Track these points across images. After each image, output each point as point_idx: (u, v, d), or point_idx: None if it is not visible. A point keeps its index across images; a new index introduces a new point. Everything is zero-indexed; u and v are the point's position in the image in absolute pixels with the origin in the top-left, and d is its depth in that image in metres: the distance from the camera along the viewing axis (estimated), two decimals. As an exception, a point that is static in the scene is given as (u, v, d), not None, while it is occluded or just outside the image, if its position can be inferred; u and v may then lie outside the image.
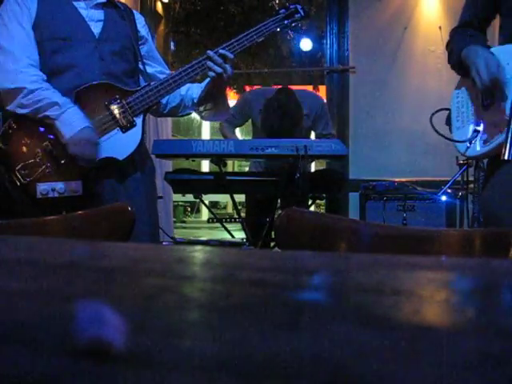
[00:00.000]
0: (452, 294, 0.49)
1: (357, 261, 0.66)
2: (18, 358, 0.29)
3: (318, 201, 3.36)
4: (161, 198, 4.01)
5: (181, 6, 8.40)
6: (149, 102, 1.79)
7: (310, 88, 7.63)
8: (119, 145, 1.77)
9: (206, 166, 8.73)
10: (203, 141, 3.11)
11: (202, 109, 1.98)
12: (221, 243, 3.08)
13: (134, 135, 1.78)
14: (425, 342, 0.33)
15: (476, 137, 1.70)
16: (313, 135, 3.46)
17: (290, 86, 3.66)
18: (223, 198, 10.81)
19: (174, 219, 7.60)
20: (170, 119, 5.16)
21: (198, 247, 1.67)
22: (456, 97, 1.84)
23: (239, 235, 3.70)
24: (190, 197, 3.43)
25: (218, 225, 3.48)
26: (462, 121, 1.79)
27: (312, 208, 3.61)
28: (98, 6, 1.84)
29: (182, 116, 2.10)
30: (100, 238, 1.13)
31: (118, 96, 1.77)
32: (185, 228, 10.80)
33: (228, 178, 3.08)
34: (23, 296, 0.45)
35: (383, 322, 0.38)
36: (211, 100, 1.95)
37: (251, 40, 1.86)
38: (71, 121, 1.70)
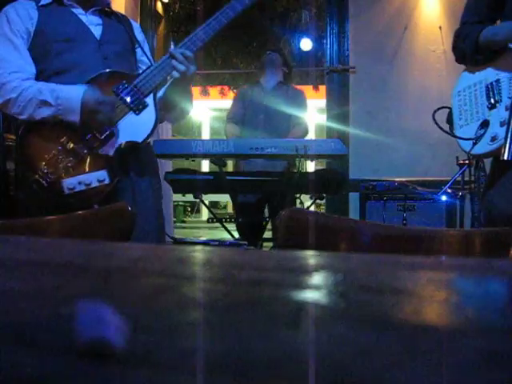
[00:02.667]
0: (452, 294, 0.49)
1: (357, 261, 0.66)
2: (18, 357, 0.29)
3: (318, 201, 3.36)
4: (161, 197, 4.01)
5: (181, 5, 8.40)
6: (156, 81, 1.80)
7: (310, 88, 7.64)
8: (136, 127, 1.77)
9: (206, 166, 8.73)
10: (203, 141, 3.11)
11: (169, 109, 1.97)
12: (221, 243, 3.08)
13: (149, 115, 1.79)
14: (425, 342, 0.33)
15: (483, 135, 1.67)
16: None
17: None
18: (223, 198, 10.81)
19: (174, 219, 7.60)
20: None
21: (198, 247, 1.67)
22: (457, 95, 1.81)
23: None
24: (190, 197, 3.43)
25: (218, 225, 3.48)
26: (465, 119, 1.76)
27: (312, 208, 3.62)
28: (95, 12, 1.88)
29: None
30: (100, 237, 1.13)
31: (124, 81, 1.78)
32: (185, 228, 10.80)
33: (228, 178, 3.09)
34: (23, 296, 0.45)
35: (383, 322, 0.38)
36: (177, 99, 1.94)
37: (221, 24, 1.84)
38: (68, 107, 1.70)
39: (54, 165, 1.71)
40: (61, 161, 1.71)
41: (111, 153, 1.74)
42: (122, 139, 1.75)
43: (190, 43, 1.82)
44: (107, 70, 1.77)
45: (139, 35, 1.99)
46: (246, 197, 3.43)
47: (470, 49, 1.74)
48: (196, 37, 1.83)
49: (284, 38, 8.94)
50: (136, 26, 2.01)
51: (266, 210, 3.62)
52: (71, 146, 1.72)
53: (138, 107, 1.78)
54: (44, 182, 1.70)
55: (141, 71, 1.84)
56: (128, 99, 1.77)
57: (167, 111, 1.98)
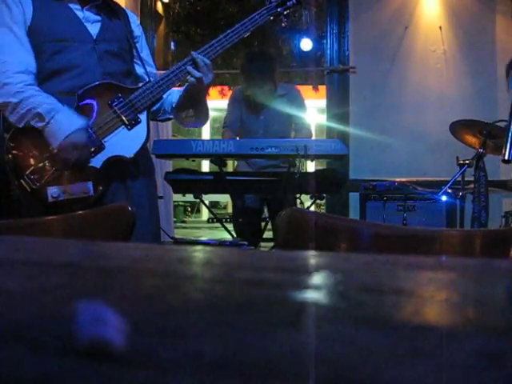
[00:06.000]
0: (452, 294, 0.49)
1: (357, 261, 0.66)
2: (18, 358, 0.29)
3: (318, 201, 3.36)
4: (161, 198, 4.01)
5: (181, 5, 8.40)
6: (151, 98, 1.79)
7: (309, 88, 7.64)
8: (126, 142, 1.77)
9: (206, 166, 8.73)
10: (203, 141, 3.11)
11: (184, 115, 1.96)
12: (221, 243, 3.08)
13: (140, 131, 1.79)
14: (425, 342, 0.33)
15: None
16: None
17: None
18: (223, 198, 10.80)
19: (174, 219, 7.60)
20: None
21: (198, 247, 1.67)
22: None
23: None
24: (190, 197, 3.43)
25: (218, 225, 3.48)
26: None
27: (312, 208, 3.62)
28: (92, 7, 1.83)
29: (162, 121, 2.10)
30: (100, 238, 1.13)
31: (120, 94, 1.77)
32: (185, 228, 10.80)
33: (228, 177, 3.09)
34: (23, 296, 0.45)
35: (383, 322, 0.38)
36: (191, 106, 1.93)
37: (240, 35, 1.84)
38: (55, 131, 1.69)
39: (40, 172, 1.70)
40: (47, 169, 1.70)
41: (98, 165, 1.74)
42: (111, 153, 1.74)
43: (209, 50, 1.82)
44: (103, 82, 1.76)
45: (137, 29, 1.96)
46: (245, 197, 3.42)
47: None
48: (218, 43, 1.82)
49: (283, 38, 8.94)
50: (133, 18, 1.98)
51: (265, 211, 3.61)
52: (59, 155, 1.71)
53: (131, 122, 1.77)
54: (28, 187, 1.69)
55: (141, 84, 1.82)
56: (122, 114, 1.76)
57: (182, 116, 1.97)
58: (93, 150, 1.73)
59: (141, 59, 1.94)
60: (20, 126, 1.71)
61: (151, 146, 2.93)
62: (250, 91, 3.42)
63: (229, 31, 1.83)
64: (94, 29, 1.81)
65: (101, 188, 1.74)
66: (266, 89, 3.37)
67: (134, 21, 1.97)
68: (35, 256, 0.68)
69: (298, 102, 3.56)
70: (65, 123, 1.70)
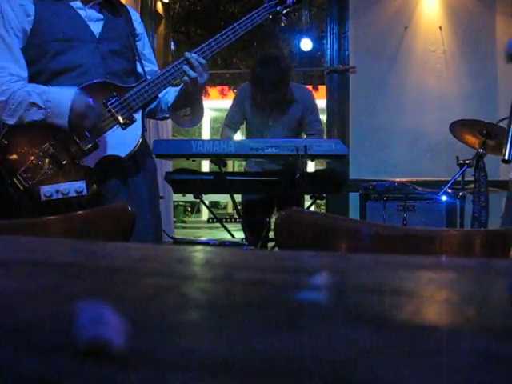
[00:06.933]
0: (452, 294, 0.49)
1: (357, 261, 0.66)
2: (18, 358, 0.29)
3: (318, 201, 3.37)
4: (161, 198, 4.01)
5: (181, 5, 8.40)
6: (146, 97, 1.79)
7: (309, 88, 7.64)
8: (120, 142, 1.76)
9: (206, 166, 8.73)
10: (203, 141, 3.11)
11: (181, 114, 1.96)
12: (221, 243, 3.08)
13: (135, 131, 1.78)
14: (425, 342, 0.33)
15: None
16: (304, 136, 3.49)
17: None
18: (223, 198, 10.81)
19: (174, 219, 7.60)
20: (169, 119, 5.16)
21: (198, 247, 1.67)
22: None
23: (239, 235, 3.70)
24: (190, 197, 3.44)
25: (218, 225, 3.48)
26: None
27: (312, 208, 3.61)
28: (94, 5, 1.83)
29: (160, 119, 2.10)
30: (100, 238, 1.13)
31: (115, 93, 1.77)
32: (185, 228, 10.81)
33: (228, 178, 3.09)
34: (23, 296, 0.45)
35: (383, 322, 0.38)
36: (187, 105, 1.92)
37: (238, 34, 1.84)
38: (57, 112, 1.68)
39: (33, 170, 1.69)
40: (40, 167, 1.69)
41: (92, 165, 1.73)
42: (106, 152, 1.74)
43: (206, 49, 1.81)
44: (99, 80, 1.76)
45: (139, 27, 1.96)
46: (252, 197, 3.41)
47: None
48: (215, 42, 1.81)
49: (283, 38, 8.94)
50: (135, 15, 1.98)
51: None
52: (53, 153, 1.71)
53: (126, 122, 1.77)
54: (21, 186, 1.68)
55: (137, 83, 1.81)
56: (116, 113, 1.76)
57: (178, 115, 1.97)
58: (88, 147, 1.73)
59: (146, 57, 1.94)
60: (13, 123, 1.70)
61: (151, 145, 2.93)
62: (258, 97, 3.29)
63: (227, 30, 1.83)
64: (96, 27, 1.81)
65: (95, 187, 1.73)
66: (276, 96, 3.23)
67: (136, 18, 1.97)
68: (35, 256, 0.68)
69: (311, 106, 3.43)
70: (61, 98, 1.69)
